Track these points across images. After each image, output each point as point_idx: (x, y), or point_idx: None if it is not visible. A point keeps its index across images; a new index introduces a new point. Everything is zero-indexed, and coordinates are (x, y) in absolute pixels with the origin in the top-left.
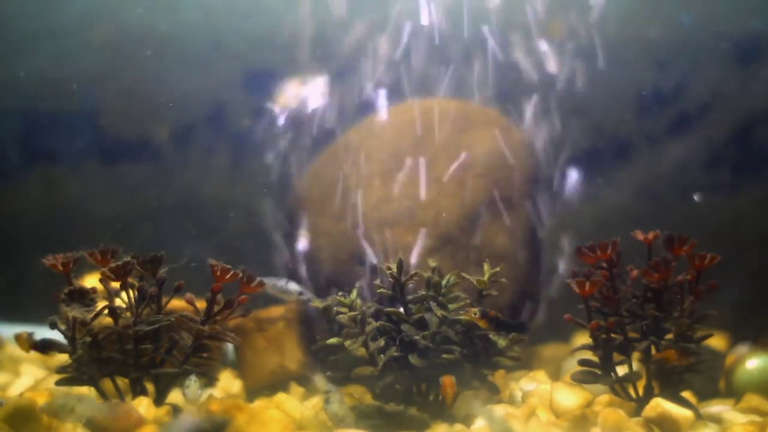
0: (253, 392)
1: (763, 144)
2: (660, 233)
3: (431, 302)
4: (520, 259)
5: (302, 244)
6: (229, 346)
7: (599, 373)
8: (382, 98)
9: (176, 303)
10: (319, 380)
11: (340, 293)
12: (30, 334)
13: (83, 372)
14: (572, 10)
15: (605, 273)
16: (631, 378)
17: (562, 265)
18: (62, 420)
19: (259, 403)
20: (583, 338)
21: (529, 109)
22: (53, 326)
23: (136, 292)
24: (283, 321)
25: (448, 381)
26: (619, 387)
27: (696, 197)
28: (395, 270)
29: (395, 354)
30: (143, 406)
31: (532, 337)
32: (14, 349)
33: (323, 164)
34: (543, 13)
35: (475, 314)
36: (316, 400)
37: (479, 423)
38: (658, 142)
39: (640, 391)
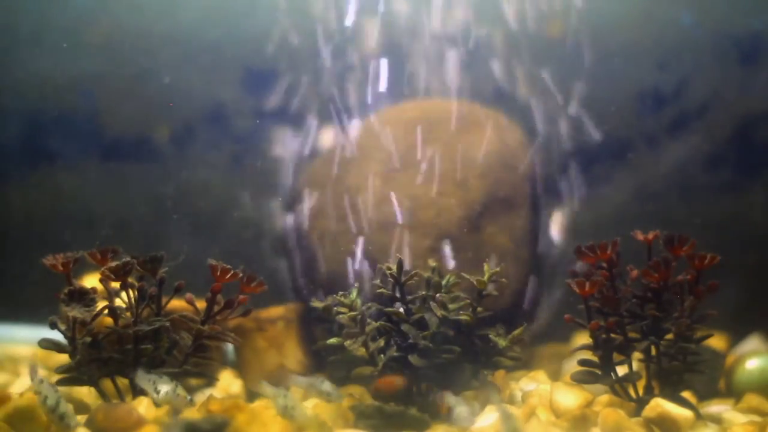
0: (253, 392)
1: (763, 144)
2: (660, 233)
3: (431, 302)
4: (520, 259)
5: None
6: (229, 346)
7: (599, 373)
8: (381, 98)
9: (176, 303)
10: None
11: (340, 293)
12: None
13: (83, 372)
14: (572, 9)
15: (605, 273)
16: (631, 378)
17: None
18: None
19: (259, 403)
20: (583, 338)
21: (529, 109)
22: (53, 326)
23: (136, 292)
24: (283, 321)
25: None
26: (619, 387)
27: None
28: (395, 270)
29: (395, 354)
30: (143, 406)
31: (532, 337)
32: (14, 349)
33: (323, 164)
34: (543, 13)
35: None
36: (317, 401)
37: (480, 423)
38: (658, 142)
39: (640, 391)
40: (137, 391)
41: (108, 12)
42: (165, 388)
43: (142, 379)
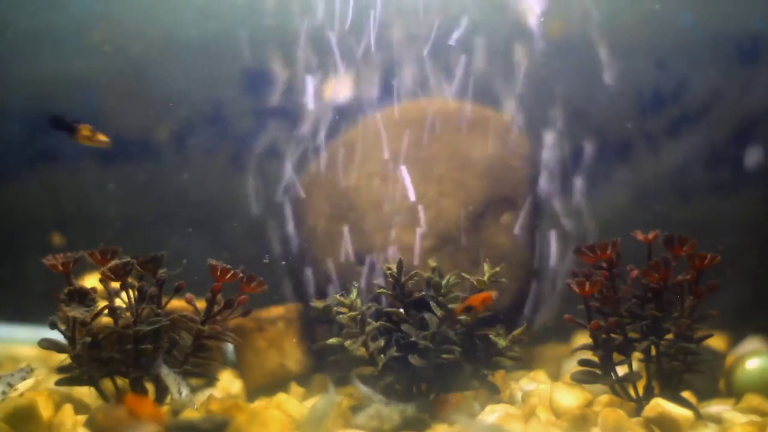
0: (253, 392)
1: (763, 144)
2: (660, 233)
3: (431, 302)
4: (520, 259)
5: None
6: (229, 346)
7: (599, 373)
8: (381, 98)
9: (176, 303)
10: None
11: (340, 293)
12: None
13: (83, 372)
14: (572, 9)
15: (605, 273)
16: (631, 378)
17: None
18: None
19: (259, 403)
20: (583, 338)
21: (529, 109)
22: (53, 326)
23: (136, 292)
24: (283, 321)
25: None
26: (619, 387)
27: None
28: (395, 270)
29: (395, 354)
30: None
31: (532, 337)
32: (14, 349)
33: (322, 164)
34: (543, 13)
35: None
36: (316, 400)
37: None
38: (658, 142)
39: (640, 391)
40: (137, 391)
41: (108, 12)
42: (186, 391)
43: (169, 376)
